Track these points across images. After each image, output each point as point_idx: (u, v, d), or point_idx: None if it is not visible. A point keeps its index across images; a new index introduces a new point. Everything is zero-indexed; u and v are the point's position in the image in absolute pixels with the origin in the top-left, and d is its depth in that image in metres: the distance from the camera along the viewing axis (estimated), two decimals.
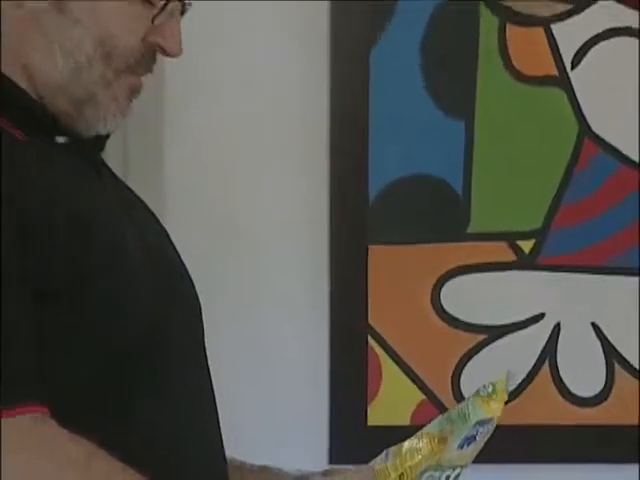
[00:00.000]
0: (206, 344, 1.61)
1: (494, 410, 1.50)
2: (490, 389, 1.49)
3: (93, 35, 1.54)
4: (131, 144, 2.36)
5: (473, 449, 1.52)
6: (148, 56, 1.55)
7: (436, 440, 1.53)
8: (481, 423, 1.50)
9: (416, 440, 1.53)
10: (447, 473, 1.54)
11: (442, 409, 2.14)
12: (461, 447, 1.51)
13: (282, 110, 2.32)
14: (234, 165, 2.31)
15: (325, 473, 1.69)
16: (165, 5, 1.51)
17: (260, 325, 2.33)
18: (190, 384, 1.58)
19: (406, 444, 1.52)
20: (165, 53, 1.55)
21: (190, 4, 1.57)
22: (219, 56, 2.34)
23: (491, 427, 1.52)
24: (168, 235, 1.69)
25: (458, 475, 1.54)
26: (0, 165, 1.44)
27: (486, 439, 1.50)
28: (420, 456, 1.54)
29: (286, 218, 2.31)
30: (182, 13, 1.56)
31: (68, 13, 1.52)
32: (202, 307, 1.62)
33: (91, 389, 1.46)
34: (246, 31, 2.35)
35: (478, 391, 1.48)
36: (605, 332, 2.24)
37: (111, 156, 1.94)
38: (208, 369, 1.62)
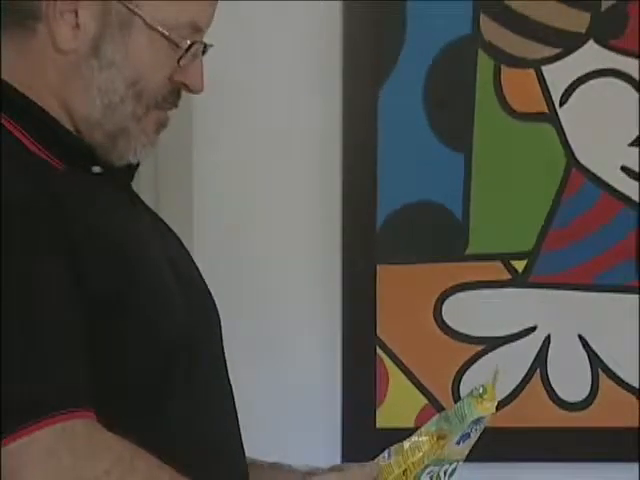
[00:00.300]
0: (225, 354, 1.73)
1: (488, 409, 1.59)
2: (481, 390, 1.57)
3: (125, 76, 1.67)
4: (161, 174, 2.46)
5: (468, 445, 1.61)
6: (174, 93, 1.68)
7: (435, 438, 1.62)
8: (476, 421, 1.61)
9: (416, 438, 1.64)
10: (445, 467, 1.64)
11: (434, 406, 2.34)
12: (458, 444, 1.61)
13: (300, 144, 2.43)
14: (256, 191, 2.42)
15: (332, 468, 1.81)
16: (189, 48, 1.64)
17: (278, 337, 2.41)
18: (212, 387, 1.73)
19: (407, 442, 1.63)
20: (189, 90, 1.68)
21: (212, 45, 1.70)
22: (243, 97, 2.39)
23: (483, 424, 1.61)
24: (192, 259, 1.82)
25: (455, 469, 1.64)
26: (40, 193, 1.57)
27: (479, 435, 1.61)
28: (421, 453, 1.63)
29: (303, 240, 2.42)
30: (204, 53, 1.69)
31: (103, 57, 1.65)
32: (223, 322, 1.74)
33: (129, 392, 1.58)
34: (266, 73, 2.43)
35: (472, 392, 1.58)
36: (591, 343, 2.35)
37: (143, 186, 2.13)
38: (227, 374, 1.74)
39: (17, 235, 1.55)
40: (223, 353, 1.77)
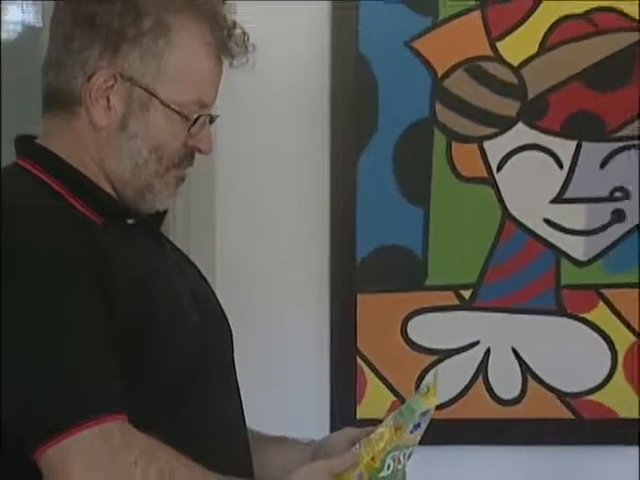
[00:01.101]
0: (235, 363, 1.99)
1: (432, 402, 1.82)
2: (426, 389, 1.81)
3: (147, 144, 1.90)
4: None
5: (419, 432, 1.84)
6: (188, 155, 1.93)
7: (394, 429, 1.83)
8: (423, 414, 1.83)
9: (380, 430, 1.85)
10: (404, 451, 1.86)
11: (402, 400, 2.60)
12: (411, 432, 1.84)
13: (298, 201, 2.72)
14: (265, 234, 2.70)
15: (320, 444, 2.09)
16: (197, 120, 1.89)
17: (281, 350, 2.68)
18: (223, 391, 1.97)
19: (372, 435, 1.88)
20: (200, 152, 1.94)
21: (218, 116, 1.97)
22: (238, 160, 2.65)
23: (430, 416, 1.86)
24: (210, 287, 2.09)
25: (411, 452, 1.88)
26: (82, 243, 1.82)
27: (427, 424, 1.86)
28: (384, 442, 1.85)
29: (300, 276, 2.71)
30: (211, 122, 1.95)
31: (129, 130, 1.89)
32: (235, 341, 2.01)
33: (154, 399, 1.82)
34: (264, 143, 2.69)
35: (419, 391, 1.84)
36: (521, 354, 2.68)
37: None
38: (236, 379, 2.00)
39: (65, 275, 1.80)
40: (233, 362, 2.00)
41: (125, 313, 1.80)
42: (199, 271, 2.10)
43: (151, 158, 1.91)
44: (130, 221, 1.93)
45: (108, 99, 1.87)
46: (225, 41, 1.94)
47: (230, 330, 2.04)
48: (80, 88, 1.88)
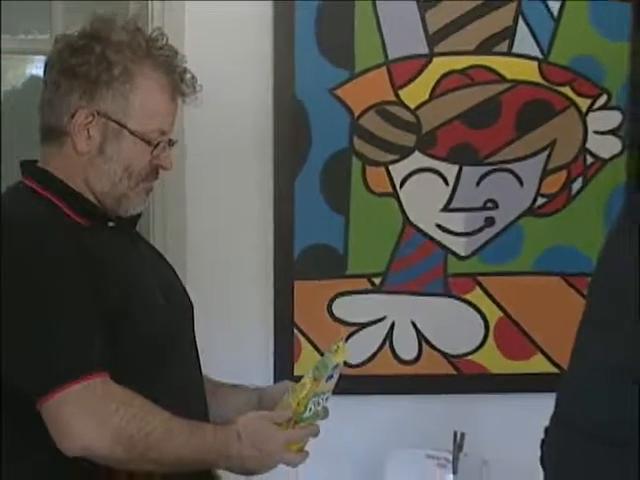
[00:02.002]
0: (195, 337, 2.19)
1: (340, 358, 2.03)
2: (335, 347, 2.03)
3: (121, 165, 2.09)
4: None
5: (333, 382, 2.05)
6: (153, 171, 2.13)
7: (312, 380, 2.04)
8: (334, 367, 2.02)
9: (302, 381, 2.05)
10: (322, 397, 2.06)
11: None
12: (326, 382, 2.03)
13: (249, 213, 2.92)
14: (225, 231, 2.88)
15: (265, 390, 2.31)
16: (157, 145, 2.08)
17: (237, 323, 2.87)
18: (186, 358, 2.17)
19: (297, 385, 2.07)
20: (163, 169, 2.14)
21: (177, 141, 2.17)
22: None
23: (340, 368, 2.05)
24: (177, 275, 2.28)
25: (328, 397, 2.06)
26: (72, 242, 2.00)
27: (338, 375, 2.04)
28: (306, 390, 2.04)
29: (252, 267, 2.93)
30: (170, 145, 2.12)
31: (106, 155, 2.08)
32: (195, 320, 2.21)
33: (130, 363, 2.01)
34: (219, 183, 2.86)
35: (330, 349, 2.05)
36: (418, 326, 2.95)
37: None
38: (197, 349, 2.20)
39: (57, 267, 1.99)
40: (194, 336, 2.21)
41: (106, 297, 1.99)
42: (167, 262, 2.28)
43: (124, 175, 2.09)
44: (111, 224, 2.10)
45: (88, 131, 2.05)
46: (177, 83, 2.11)
47: (192, 310, 2.23)
48: (66, 123, 2.06)
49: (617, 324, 1.60)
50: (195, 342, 2.23)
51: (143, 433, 1.96)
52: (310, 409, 2.07)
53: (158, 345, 2.10)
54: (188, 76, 2.14)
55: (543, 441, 1.68)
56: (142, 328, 2.06)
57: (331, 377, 2.06)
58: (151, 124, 2.11)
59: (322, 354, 2.53)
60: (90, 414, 1.94)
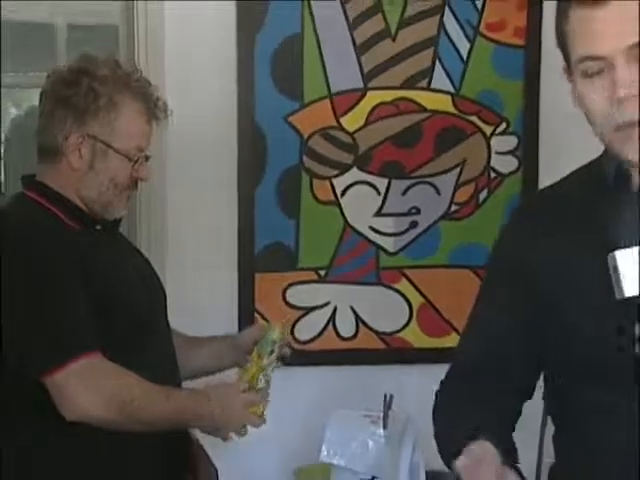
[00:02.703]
0: (168, 319, 2.19)
1: (278, 336, 2.13)
2: (273, 327, 2.15)
3: (107, 177, 2.11)
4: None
5: (274, 356, 2.14)
6: (134, 182, 2.15)
7: (257, 357, 2.14)
8: (273, 343, 2.12)
9: (250, 359, 2.14)
10: (267, 371, 2.13)
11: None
12: (268, 356, 2.12)
13: (218, 219, 2.86)
14: (199, 233, 2.83)
15: (235, 337, 2.31)
16: (137, 160, 2.12)
17: (210, 307, 2.77)
18: (161, 335, 2.20)
19: (248, 364, 2.14)
20: (141, 180, 2.17)
21: (150, 156, 2.16)
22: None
23: (279, 345, 2.13)
24: (152, 268, 2.27)
25: (273, 367, 2.13)
26: (66, 242, 2.02)
27: (279, 350, 2.13)
28: (254, 367, 2.13)
29: (220, 262, 2.87)
30: (147, 160, 2.15)
31: (95, 169, 2.10)
32: (167, 304, 2.20)
33: (116, 343, 2.01)
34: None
35: (269, 328, 2.15)
36: (355, 309, 2.95)
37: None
38: (169, 329, 2.22)
39: (55, 264, 2.01)
40: (167, 320, 2.24)
41: (95, 287, 2.02)
42: (145, 258, 2.31)
43: (110, 185, 2.12)
44: (98, 227, 2.13)
45: (80, 151, 2.07)
46: (152, 109, 2.14)
47: (165, 296, 2.25)
48: (61, 145, 2.07)
49: (499, 300, 1.62)
50: (168, 323, 2.26)
51: (129, 399, 1.99)
52: (260, 380, 2.14)
53: (139, 325, 2.12)
54: (160, 102, 2.18)
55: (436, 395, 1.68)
56: (125, 311, 2.09)
57: (272, 352, 2.15)
58: (132, 143, 2.13)
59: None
60: (89, 386, 1.97)
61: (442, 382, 1.69)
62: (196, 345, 2.35)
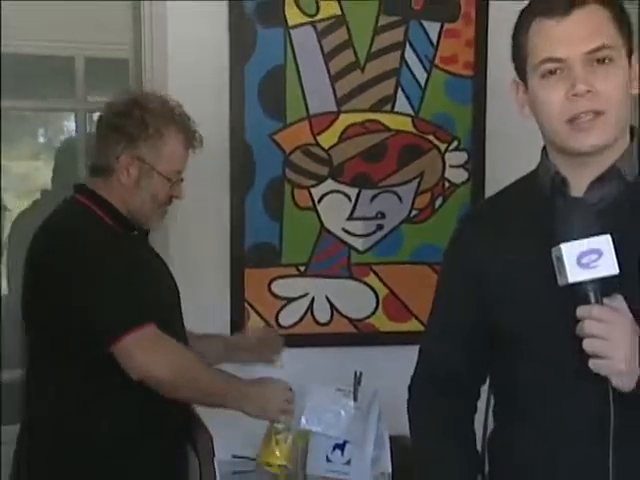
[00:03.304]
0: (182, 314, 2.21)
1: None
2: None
3: (149, 194, 2.16)
4: None
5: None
6: (169, 200, 2.22)
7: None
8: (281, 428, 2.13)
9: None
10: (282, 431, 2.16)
11: (267, 325, 2.85)
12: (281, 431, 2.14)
13: (215, 223, 2.80)
14: (199, 237, 2.78)
15: (229, 337, 2.41)
16: (174, 182, 2.18)
17: (206, 297, 2.73)
18: (180, 321, 2.25)
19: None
20: (177, 198, 2.23)
21: (182, 179, 2.19)
22: None
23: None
24: (168, 267, 2.31)
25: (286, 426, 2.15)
26: (113, 243, 2.08)
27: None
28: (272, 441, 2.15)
29: (214, 260, 2.84)
30: (182, 181, 2.21)
31: (140, 187, 2.16)
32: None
33: (160, 322, 2.03)
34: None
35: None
36: (331, 299, 2.93)
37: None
38: (182, 319, 2.25)
39: (110, 253, 2.05)
40: (180, 310, 2.27)
41: (137, 275, 2.08)
42: (164, 261, 2.35)
43: (150, 201, 2.18)
44: (135, 232, 2.20)
45: (128, 170, 2.13)
46: (191, 140, 2.20)
47: (178, 292, 2.30)
48: (112, 164, 2.14)
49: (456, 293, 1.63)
50: (181, 314, 2.31)
51: (188, 365, 2.04)
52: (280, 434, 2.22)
53: (169, 307, 2.20)
54: (197, 134, 2.24)
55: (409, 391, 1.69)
56: (160, 296, 2.17)
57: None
58: (172, 167, 2.18)
59: (264, 320, 2.87)
60: (152, 350, 2.02)
61: (412, 380, 1.69)
62: (191, 339, 2.34)
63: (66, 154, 3.01)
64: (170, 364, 2.02)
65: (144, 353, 2.00)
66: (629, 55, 1.43)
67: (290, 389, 2.19)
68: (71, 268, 2.02)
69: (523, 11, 1.46)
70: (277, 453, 2.15)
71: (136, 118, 2.12)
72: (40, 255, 2.09)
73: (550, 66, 1.40)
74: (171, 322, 2.18)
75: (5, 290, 3.02)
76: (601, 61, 1.38)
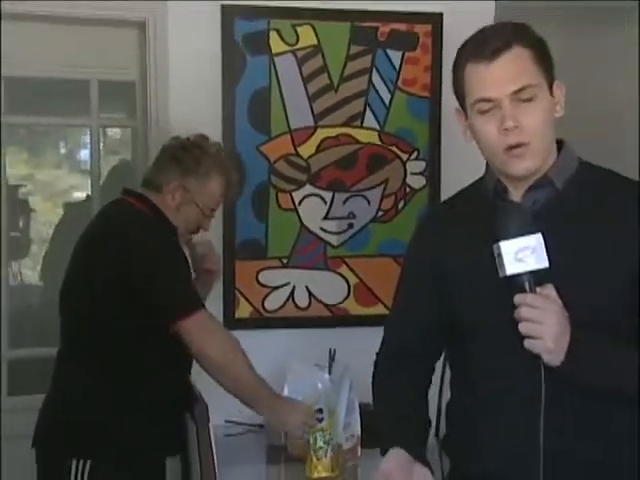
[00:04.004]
0: None
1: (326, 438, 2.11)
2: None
3: (183, 220, 2.21)
4: None
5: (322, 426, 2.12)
6: (197, 229, 2.27)
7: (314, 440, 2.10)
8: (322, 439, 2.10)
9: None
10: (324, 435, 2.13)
11: (255, 309, 2.83)
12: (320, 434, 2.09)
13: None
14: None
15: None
16: (205, 215, 2.23)
17: None
18: None
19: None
20: (203, 229, 2.28)
21: (214, 216, 2.24)
22: None
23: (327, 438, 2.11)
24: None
25: (329, 435, 2.10)
26: (167, 239, 2.08)
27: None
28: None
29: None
30: (213, 216, 2.26)
31: (180, 211, 2.18)
32: None
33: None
34: None
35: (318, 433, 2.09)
36: (310, 288, 2.90)
37: None
38: None
39: (167, 249, 2.06)
40: None
41: (187, 269, 2.14)
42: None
43: (183, 225, 2.23)
44: (174, 238, 2.22)
45: (174, 194, 2.19)
46: (230, 185, 2.27)
47: None
48: (163, 185, 2.18)
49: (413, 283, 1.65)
50: None
51: (233, 348, 2.06)
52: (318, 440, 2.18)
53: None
54: (235, 180, 2.31)
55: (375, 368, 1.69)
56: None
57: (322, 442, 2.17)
58: (209, 204, 2.23)
59: (252, 306, 2.82)
60: (208, 330, 2.06)
61: (377, 356, 1.70)
62: None
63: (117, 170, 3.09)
64: (219, 343, 2.05)
65: (203, 334, 2.03)
66: (550, 86, 1.46)
67: (315, 411, 2.19)
68: (139, 254, 2.02)
69: (459, 52, 1.48)
70: (319, 468, 2.13)
71: (194, 156, 2.17)
72: (99, 240, 2.09)
73: (483, 105, 1.43)
74: None
75: (13, 281, 3.04)
76: (526, 99, 1.41)
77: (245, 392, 2.09)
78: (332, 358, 2.52)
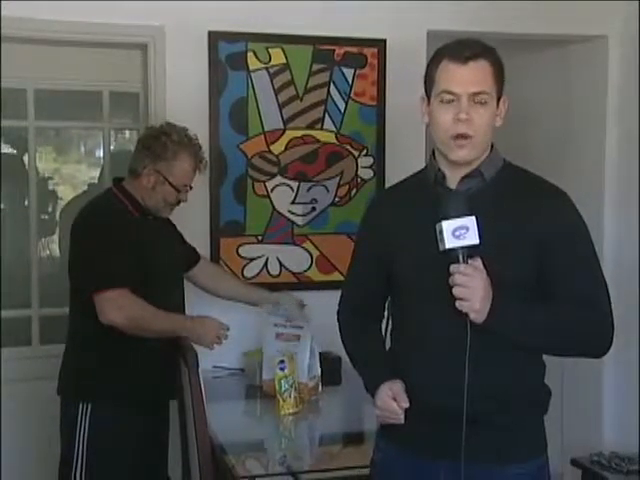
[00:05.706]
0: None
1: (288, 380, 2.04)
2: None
3: (161, 197, 2.14)
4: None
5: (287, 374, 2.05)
6: (177, 201, 2.18)
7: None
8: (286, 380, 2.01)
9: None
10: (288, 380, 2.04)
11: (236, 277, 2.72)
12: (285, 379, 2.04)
13: (201, 209, 2.69)
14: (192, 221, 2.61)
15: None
16: (180, 191, 2.13)
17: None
18: (176, 284, 2.21)
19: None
20: (182, 201, 2.17)
21: (192, 187, 2.13)
22: None
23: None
24: (176, 239, 2.28)
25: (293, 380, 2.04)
26: (128, 223, 2.02)
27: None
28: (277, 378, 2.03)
29: (199, 227, 2.72)
30: (191, 189, 2.16)
31: (155, 191, 2.13)
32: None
33: (148, 283, 2.02)
34: None
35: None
36: (280, 260, 2.84)
37: None
38: (182, 280, 2.24)
39: (116, 229, 2.01)
40: (180, 279, 2.25)
41: (143, 248, 2.05)
42: (177, 235, 2.33)
43: (161, 201, 2.16)
44: (150, 217, 2.17)
45: (149, 177, 2.10)
46: (198, 164, 2.18)
47: (181, 267, 2.26)
48: (140, 171, 2.11)
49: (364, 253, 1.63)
50: (182, 276, 2.29)
51: (140, 316, 1.99)
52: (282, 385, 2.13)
53: (162, 276, 2.13)
54: (204, 161, 2.20)
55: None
56: (157, 266, 2.10)
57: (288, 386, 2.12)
58: (181, 181, 2.15)
59: (234, 273, 2.72)
60: (117, 307, 1.98)
61: (338, 312, 1.69)
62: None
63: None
64: (126, 316, 1.97)
65: (110, 307, 1.97)
66: (498, 99, 1.48)
67: (224, 327, 2.13)
68: (86, 234, 2.01)
69: (438, 51, 1.49)
70: (285, 407, 2.10)
71: (161, 142, 2.09)
72: (75, 225, 2.08)
73: (447, 96, 1.44)
74: (164, 286, 2.12)
75: (43, 253, 3.04)
76: (480, 102, 1.44)
77: (161, 333, 2.04)
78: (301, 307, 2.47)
